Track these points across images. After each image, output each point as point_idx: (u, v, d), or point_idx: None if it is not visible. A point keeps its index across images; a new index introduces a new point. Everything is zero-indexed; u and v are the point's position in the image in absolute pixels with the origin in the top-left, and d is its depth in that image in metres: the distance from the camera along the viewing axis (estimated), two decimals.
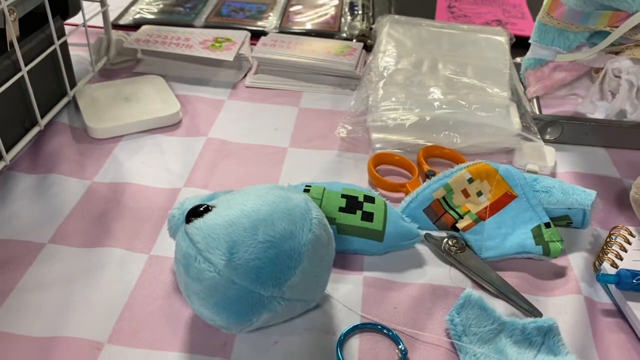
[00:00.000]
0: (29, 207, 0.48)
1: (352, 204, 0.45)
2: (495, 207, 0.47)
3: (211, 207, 0.36)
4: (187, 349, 0.38)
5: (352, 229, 0.44)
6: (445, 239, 0.46)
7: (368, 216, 0.44)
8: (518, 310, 0.41)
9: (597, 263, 0.45)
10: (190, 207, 0.37)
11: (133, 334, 0.38)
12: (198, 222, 0.35)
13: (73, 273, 0.42)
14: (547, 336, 0.38)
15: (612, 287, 0.43)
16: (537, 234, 0.45)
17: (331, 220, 0.44)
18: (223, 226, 0.34)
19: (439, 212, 0.47)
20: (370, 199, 0.45)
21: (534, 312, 0.41)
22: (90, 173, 0.52)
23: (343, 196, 0.45)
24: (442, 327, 0.40)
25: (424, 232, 0.46)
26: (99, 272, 0.42)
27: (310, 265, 0.35)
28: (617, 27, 0.57)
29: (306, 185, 0.46)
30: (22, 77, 0.51)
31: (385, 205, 0.45)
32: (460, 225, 0.47)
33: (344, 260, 0.44)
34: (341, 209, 0.44)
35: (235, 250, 0.33)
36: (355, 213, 0.44)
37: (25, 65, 0.51)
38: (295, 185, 0.47)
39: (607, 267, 0.43)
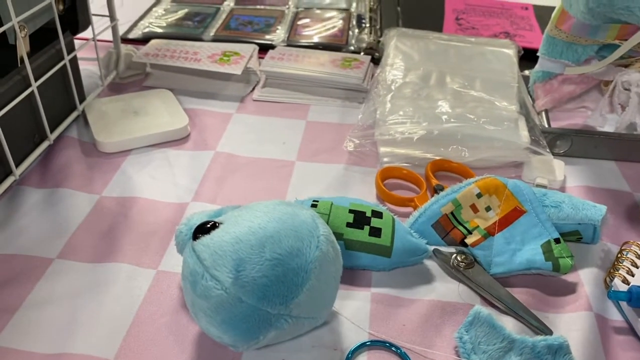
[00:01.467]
0: (38, 222, 0.48)
1: (359, 219, 0.44)
2: (504, 222, 0.46)
3: (218, 223, 0.36)
4: None
5: (359, 244, 0.43)
6: (454, 255, 0.46)
7: (376, 231, 0.44)
8: (528, 327, 0.41)
9: (608, 279, 0.45)
10: (197, 223, 0.37)
11: (140, 351, 0.38)
12: (205, 239, 0.35)
13: (80, 289, 0.42)
14: (557, 354, 0.38)
15: (623, 304, 0.42)
16: (546, 249, 0.44)
17: (338, 236, 0.43)
18: (230, 243, 0.34)
19: (448, 227, 0.47)
20: (378, 214, 0.45)
21: (544, 330, 0.40)
22: (98, 187, 0.52)
23: (351, 211, 0.45)
24: (451, 344, 0.39)
25: (432, 247, 0.46)
26: (107, 288, 0.42)
27: (317, 283, 0.35)
28: (626, 40, 0.56)
29: (313, 200, 0.46)
30: (32, 92, 0.51)
31: (394, 220, 0.45)
32: (469, 240, 0.46)
33: (351, 277, 0.44)
34: (349, 224, 0.44)
35: (242, 267, 0.33)
36: (362, 228, 0.44)
37: (35, 80, 0.51)
38: (302, 201, 0.47)
39: (618, 284, 0.43)
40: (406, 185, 0.55)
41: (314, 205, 0.45)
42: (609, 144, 0.59)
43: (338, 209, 0.45)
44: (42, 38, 0.55)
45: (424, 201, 0.49)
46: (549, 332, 0.40)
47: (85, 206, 0.50)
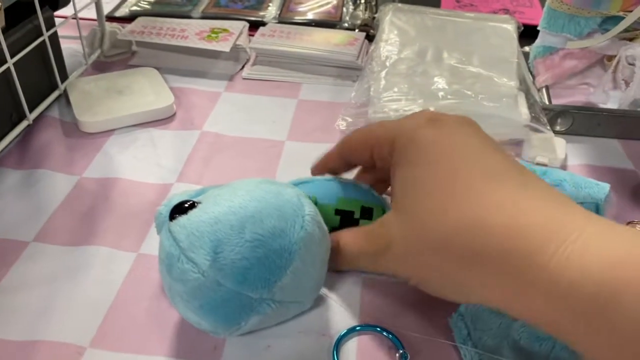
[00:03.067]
0: (14, 204, 0.46)
1: (346, 222, 0.40)
2: None
3: (197, 203, 0.34)
4: (175, 353, 0.35)
5: None
6: None
7: None
8: None
9: None
10: (176, 203, 0.35)
11: (118, 338, 0.36)
12: (182, 220, 0.33)
13: (57, 273, 0.40)
14: (557, 339, 0.36)
15: None
16: None
17: None
18: (208, 224, 0.32)
19: None
20: (367, 213, 0.40)
21: None
22: (79, 168, 0.50)
23: (337, 212, 0.40)
24: (445, 329, 0.37)
25: None
26: (84, 272, 0.40)
27: (302, 265, 0.33)
28: (630, 11, 0.54)
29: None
30: (8, 69, 0.49)
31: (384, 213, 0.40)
32: None
33: None
34: (334, 229, 0.39)
35: (220, 249, 0.31)
36: None
37: (12, 57, 0.49)
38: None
39: None
40: None
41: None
42: (612, 121, 0.57)
43: (323, 209, 0.39)
44: (19, 13, 0.52)
45: None
46: None
47: (65, 187, 0.48)
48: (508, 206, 0.28)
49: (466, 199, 0.29)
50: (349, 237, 0.36)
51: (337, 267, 0.38)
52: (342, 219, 0.40)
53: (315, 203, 0.39)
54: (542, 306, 0.26)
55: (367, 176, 0.42)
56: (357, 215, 0.40)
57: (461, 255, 0.29)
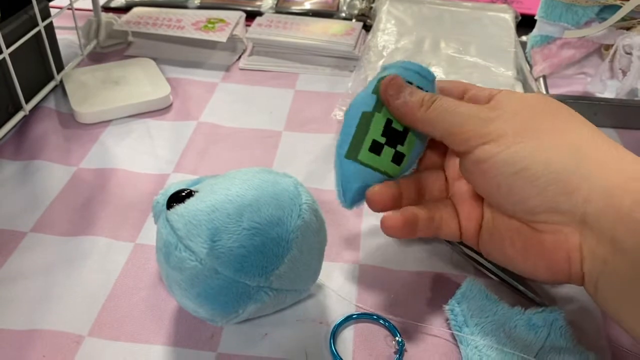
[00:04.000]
0: (11, 195, 0.46)
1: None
2: None
3: (194, 192, 0.34)
4: (173, 341, 0.36)
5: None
6: None
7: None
8: (525, 298, 0.39)
9: None
10: (173, 192, 0.35)
11: (115, 327, 0.36)
12: (179, 208, 0.33)
13: (54, 263, 0.40)
14: (553, 326, 0.36)
15: None
16: None
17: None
18: (205, 212, 0.32)
19: None
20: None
21: (543, 301, 0.39)
22: (75, 159, 0.50)
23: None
24: (442, 317, 0.38)
25: None
26: (82, 262, 0.40)
27: (299, 254, 0.33)
28: (628, 0, 0.54)
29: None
30: (4, 59, 0.49)
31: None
32: None
33: (338, 248, 0.42)
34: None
35: (218, 237, 0.31)
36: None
37: (7, 47, 0.49)
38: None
39: None
40: None
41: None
42: (609, 111, 0.57)
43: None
44: (14, 4, 0.52)
45: None
46: (550, 303, 0.38)
47: (62, 178, 0.48)
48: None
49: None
50: (457, 102, 0.35)
51: (426, 127, 0.35)
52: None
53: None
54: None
55: None
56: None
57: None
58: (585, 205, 0.30)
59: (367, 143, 0.36)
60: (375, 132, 0.36)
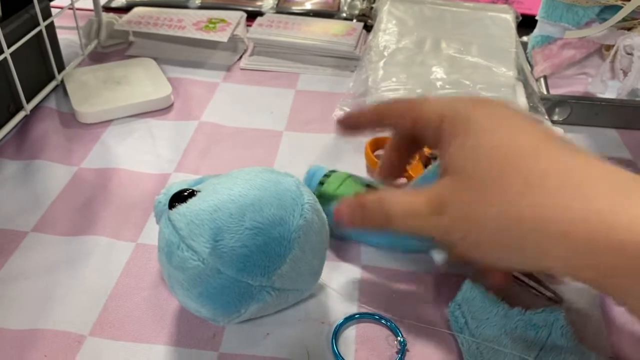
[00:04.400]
0: (13, 194, 0.46)
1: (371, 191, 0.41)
2: None
3: (196, 191, 0.34)
4: (174, 341, 0.36)
5: None
6: None
7: None
8: (539, 295, 0.39)
9: None
10: (175, 191, 0.35)
11: (117, 326, 0.36)
12: (181, 208, 0.33)
13: (56, 263, 0.40)
14: (554, 327, 0.36)
15: None
16: None
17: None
18: (208, 212, 0.32)
19: None
20: None
21: (554, 298, 0.39)
22: (77, 159, 0.50)
23: (367, 186, 0.42)
24: (443, 317, 0.38)
25: None
26: (83, 262, 0.40)
27: (301, 253, 0.33)
28: (629, 0, 0.54)
29: (330, 170, 0.44)
30: (5, 59, 0.49)
31: None
32: None
33: (340, 249, 0.42)
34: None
35: (220, 237, 0.31)
36: None
37: (9, 47, 0.49)
38: (315, 169, 0.44)
39: None
40: None
41: (332, 171, 0.44)
42: (610, 111, 0.57)
43: (353, 181, 0.43)
44: (15, 3, 0.52)
45: (417, 171, 0.47)
46: (560, 301, 0.39)
47: (63, 178, 0.48)
48: (574, 175, 0.29)
49: (532, 161, 0.30)
50: (398, 195, 0.35)
51: (372, 223, 0.35)
52: (369, 189, 0.42)
53: (349, 176, 0.42)
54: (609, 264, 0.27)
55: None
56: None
57: (523, 226, 0.29)
58: None
59: None
60: None
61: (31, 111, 0.53)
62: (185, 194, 0.33)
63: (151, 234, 0.43)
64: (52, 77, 0.58)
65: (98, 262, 0.40)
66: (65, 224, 0.43)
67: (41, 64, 0.56)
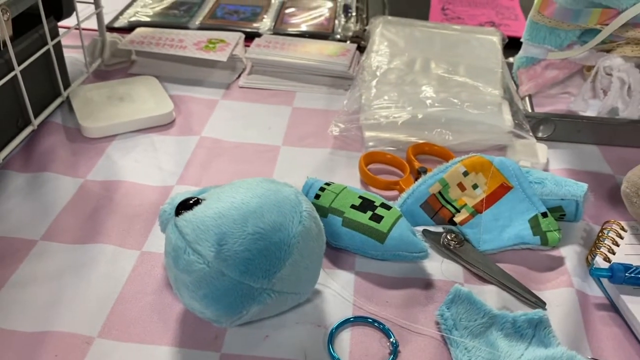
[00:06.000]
0: (22, 205, 0.48)
1: (366, 205, 0.44)
2: (492, 199, 0.47)
3: (201, 199, 0.36)
4: (178, 342, 0.37)
5: (356, 224, 0.43)
6: (444, 234, 0.46)
7: (377, 218, 0.43)
8: (522, 301, 0.42)
9: (589, 257, 0.45)
10: (180, 200, 0.37)
11: (124, 329, 0.38)
12: (187, 215, 0.35)
13: (64, 269, 0.42)
14: (537, 328, 0.38)
15: (605, 280, 0.43)
16: (534, 224, 0.45)
17: (339, 213, 0.44)
18: (212, 218, 0.34)
19: (436, 206, 0.47)
20: (386, 207, 0.44)
21: (538, 303, 0.41)
22: (83, 171, 0.52)
23: (360, 197, 0.45)
24: (433, 320, 0.40)
25: (421, 228, 0.47)
26: (91, 268, 0.42)
27: (300, 258, 0.35)
28: (607, 24, 0.57)
29: (325, 183, 0.46)
30: (15, 76, 0.51)
31: (400, 216, 0.44)
32: (458, 219, 0.47)
33: (335, 256, 0.44)
34: (353, 206, 0.44)
35: (224, 241, 0.33)
36: (365, 212, 0.43)
37: (19, 65, 0.51)
38: (313, 181, 0.47)
39: (599, 261, 0.43)
40: (390, 170, 0.55)
41: (327, 184, 0.46)
42: (591, 128, 0.59)
43: (348, 192, 0.45)
44: (25, 23, 0.54)
45: (408, 184, 0.49)
46: (543, 305, 0.41)
47: (70, 189, 0.50)
48: None
49: None
50: None
51: None
52: (363, 202, 0.44)
53: (343, 189, 0.45)
54: None
55: None
56: (377, 204, 0.44)
57: None
58: None
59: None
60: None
61: (38, 126, 0.56)
62: (191, 201, 0.36)
63: (155, 242, 0.45)
64: (59, 94, 0.60)
65: (104, 269, 0.42)
66: (72, 233, 0.45)
67: (48, 81, 0.58)
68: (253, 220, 0.34)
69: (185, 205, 0.35)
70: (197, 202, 0.36)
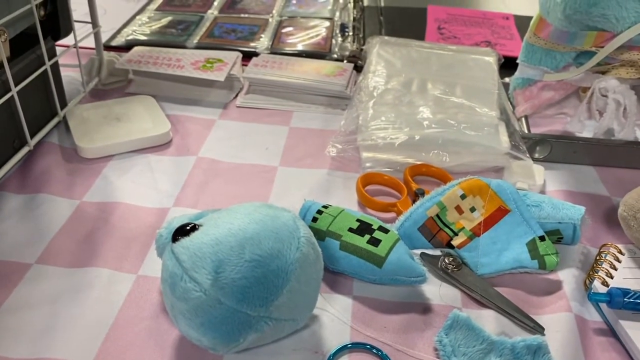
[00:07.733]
0: (17, 227, 0.47)
1: (364, 228, 0.44)
2: (489, 222, 0.47)
3: (198, 225, 0.36)
4: None
5: (354, 247, 0.43)
6: (442, 257, 0.46)
7: (375, 241, 0.43)
8: (521, 326, 0.41)
9: (587, 281, 0.45)
10: (177, 225, 0.37)
11: (119, 355, 0.38)
12: (184, 241, 0.35)
13: (59, 293, 0.42)
14: (536, 355, 0.38)
15: (603, 305, 0.43)
16: (532, 247, 0.45)
17: (336, 236, 0.43)
18: (209, 245, 0.34)
19: (434, 230, 0.47)
20: (384, 230, 0.44)
21: (537, 328, 0.41)
22: (79, 193, 0.52)
23: (358, 220, 0.45)
24: (431, 346, 0.40)
25: (419, 251, 0.46)
26: (86, 293, 0.42)
27: (297, 285, 0.35)
28: (602, 47, 0.57)
29: (322, 206, 0.46)
30: (12, 97, 0.51)
31: (398, 239, 0.44)
32: (455, 242, 0.46)
33: (333, 282, 0.44)
34: (350, 230, 0.44)
35: (221, 269, 0.33)
36: (363, 236, 0.43)
37: (16, 85, 0.51)
38: (310, 204, 0.46)
39: (597, 286, 0.43)
40: (387, 192, 0.55)
41: (324, 207, 0.46)
42: (587, 149, 0.60)
43: (346, 215, 0.45)
44: (23, 44, 0.54)
45: (406, 206, 0.49)
46: (542, 330, 0.41)
47: (65, 211, 0.49)
48: None
49: None
50: None
51: None
52: (361, 225, 0.44)
53: (341, 211, 0.45)
54: None
55: None
56: (374, 227, 0.44)
57: None
58: None
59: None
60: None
61: (35, 146, 0.55)
62: (188, 227, 0.35)
63: (151, 266, 0.44)
64: (55, 114, 0.60)
65: (100, 293, 0.42)
66: (68, 256, 0.45)
67: (45, 101, 0.58)
68: (250, 247, 0.34)
69: (182, 231, 0.35)
70: (194, 227, 0.35)
